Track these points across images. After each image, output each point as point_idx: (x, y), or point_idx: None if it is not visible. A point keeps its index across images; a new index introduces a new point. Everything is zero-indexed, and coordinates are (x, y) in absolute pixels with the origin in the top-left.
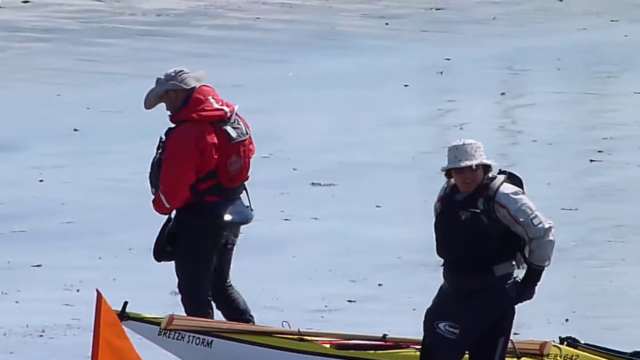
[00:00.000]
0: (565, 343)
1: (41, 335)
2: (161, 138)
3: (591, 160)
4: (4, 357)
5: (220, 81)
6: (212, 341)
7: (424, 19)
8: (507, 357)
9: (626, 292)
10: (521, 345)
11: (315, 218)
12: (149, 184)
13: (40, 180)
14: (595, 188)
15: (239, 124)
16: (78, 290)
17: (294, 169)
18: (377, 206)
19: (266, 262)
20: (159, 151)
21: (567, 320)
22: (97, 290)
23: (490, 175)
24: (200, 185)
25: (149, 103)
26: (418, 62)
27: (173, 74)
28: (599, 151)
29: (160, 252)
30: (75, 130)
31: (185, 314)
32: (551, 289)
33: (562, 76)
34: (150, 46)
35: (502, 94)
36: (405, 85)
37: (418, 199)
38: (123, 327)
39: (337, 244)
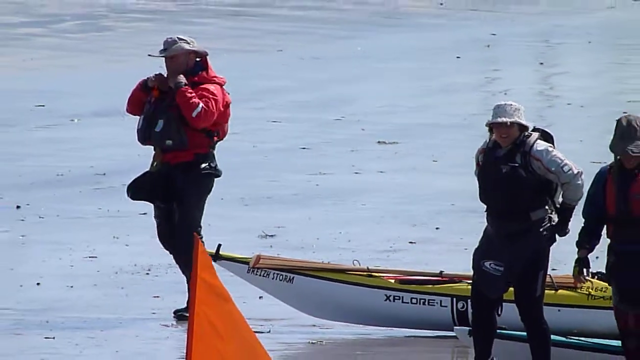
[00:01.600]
0: (597, 277)
1: (147, 274)
2: (161, 90)
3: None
4: (116, 292)
5: (303, 54)
6: (293, 277)
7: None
8: (546, 289)
9: None
10: (558, 279)
11: (381, 172)
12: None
13: None
14: None
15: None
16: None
17: (362, 130)
18: (434, 161)
19: (339, 209)
20: (167, 100)
21: (597, 257)
22: (194, 234)
23: (526, 133)
24: (214, 138)
25: (174, 54)
26: (468, 37)
27: (190, 39)
28: (624, 112)
29: (139, 192)
30: None
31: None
32: None
33: (592, 49)
34: (240, 25)
35: (541, 63)
36: (457, 57)
37: (469, 154)
38: (215, 265)
39: (400, 193)
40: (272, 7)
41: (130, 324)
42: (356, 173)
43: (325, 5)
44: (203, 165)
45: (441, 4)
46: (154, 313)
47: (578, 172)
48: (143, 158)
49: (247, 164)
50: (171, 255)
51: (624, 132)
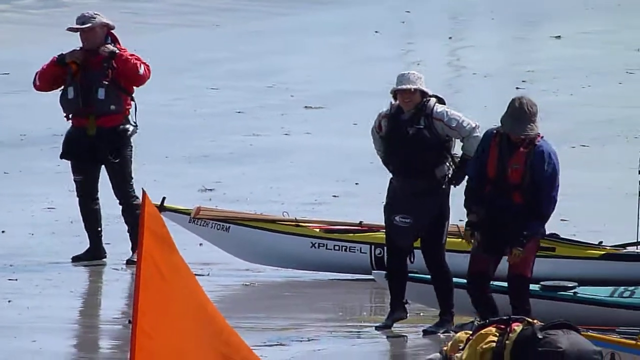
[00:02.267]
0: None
1: None
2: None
3: (517, 88)
4: (72, 239)
5: (243, 29)
6: (229, 227)
7: None
8: (453, 238)
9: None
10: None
11: (307, 133)
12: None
13: None
14: None
15: None
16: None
17: (291, 96)
18: (354, 124)
19: (271, 167)
20: (98, 70)
21: None
22: (142, 189)
23: (425, 99)
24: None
25: (92, 26)
26: (385, 15)
27: (97, 14)
28: (523, 81)
29: (75, 156)
30: None
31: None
32: None
33: (495, 24)
34: (182, 2)
35: (449, 38)
36: (376, 32)
37: None
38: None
39: (324, 153)
40: None
41: (84, 268)
42: (285, 134)
43: None
44: (131, 126)
45: None
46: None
47: (475, 125)
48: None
49: (188, 126)
50: (119, 207)
51: (516, 112)
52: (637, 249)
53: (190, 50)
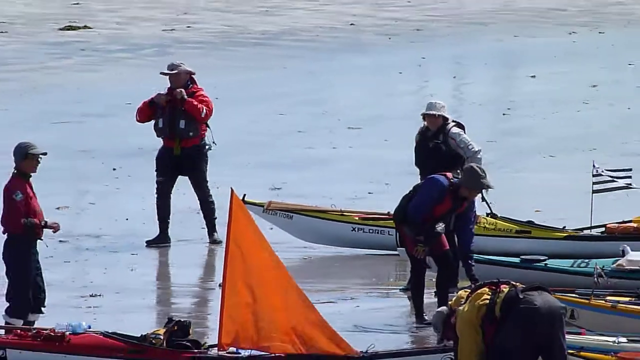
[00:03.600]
0: (490, 216)
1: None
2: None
3: (503, 114)
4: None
5: (303, 70)
6: (292, 216)
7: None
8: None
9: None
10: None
11: (350, 147)
12: None
13: None
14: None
15: None
16: (218, 188)
17: (338, 119)
18: (385, 140)
19: (322, 172)
20: (179, 107)
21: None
22: (231, 188)
23: (447, 122)
24: (207, 126)
25: (179, 72)
26: (406, 60)
27: (182, 63)
28: (508, 108)
29: (164, 170)
30: None
31: None
32: None
33: (488, 67)
34: (262, 51)
35: (454, 77)
36: (400, 73)
37: (409, 135)
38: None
39: (362, 161)
40: (280, 40)
41: (184, 246)
42: (333, 148)
43: (308, 43)
44: (206, 145)
45: (389, 38)
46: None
47: (478, 149)
48: None
49: (262, 142)
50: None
51: (477, 175)
52: (590, 232)
53: (265, 85)
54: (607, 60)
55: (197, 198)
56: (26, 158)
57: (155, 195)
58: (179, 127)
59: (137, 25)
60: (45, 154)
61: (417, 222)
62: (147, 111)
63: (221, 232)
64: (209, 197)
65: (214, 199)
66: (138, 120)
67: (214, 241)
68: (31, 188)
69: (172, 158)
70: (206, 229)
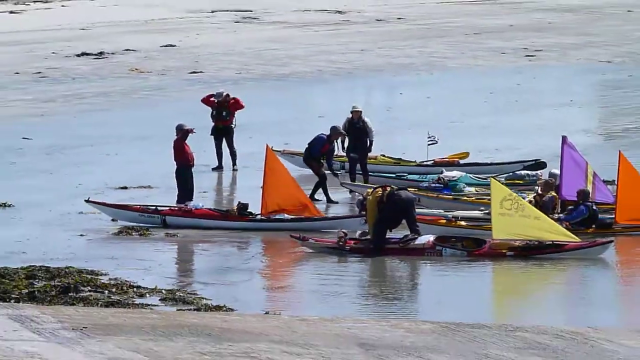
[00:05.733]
0: (381, 156)
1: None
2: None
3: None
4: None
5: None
6: (294, 156)
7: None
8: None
9: None
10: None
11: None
12: None
13: None
14: None
15: None
16: (250, 138)
17: (409, 129)
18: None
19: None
20: (224, 105)
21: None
22: (266, 144)
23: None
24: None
25: (225, 95)
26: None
27: (224, 90)
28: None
29: (218, 135)
30: None
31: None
32: None
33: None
34: (278, 94)
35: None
36: (427, 98)
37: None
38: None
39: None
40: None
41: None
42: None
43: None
44: (234, 125)
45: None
46: None
47: (374, 130)
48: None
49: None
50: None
51: (338, 129)
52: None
53: (333, 101)
54: None
55: (229, 152)
56: None
57: (215, 148)
58: (223, 115)
59: None
60: None
61: (317, 155)
62: (209, 101)
63: (243, 173)
64: (234, 152)
65: (239, 151)
66: (203, 102)
67: (235, 170)
68: None
69: (220, 130)
70: (231, 163)
